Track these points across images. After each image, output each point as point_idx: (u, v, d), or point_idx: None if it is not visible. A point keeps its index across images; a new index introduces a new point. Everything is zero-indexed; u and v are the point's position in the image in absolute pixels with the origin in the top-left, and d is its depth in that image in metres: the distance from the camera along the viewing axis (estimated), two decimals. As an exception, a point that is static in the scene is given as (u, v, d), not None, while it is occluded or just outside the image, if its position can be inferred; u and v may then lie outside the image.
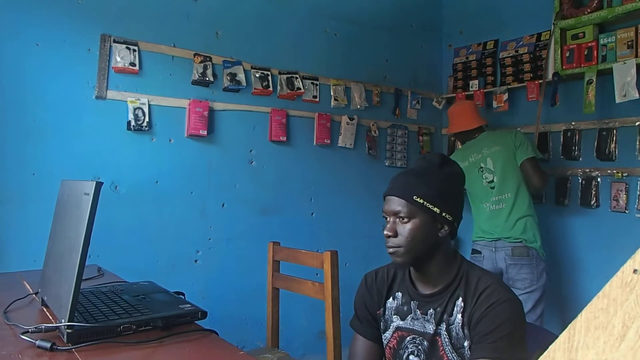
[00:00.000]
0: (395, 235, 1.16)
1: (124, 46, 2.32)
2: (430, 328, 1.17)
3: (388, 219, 1.18)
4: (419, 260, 1.18)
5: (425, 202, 1.14)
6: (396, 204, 1.16)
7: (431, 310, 1.18)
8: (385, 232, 1.17)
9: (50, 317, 1.15)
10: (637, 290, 0.36)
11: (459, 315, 1.13)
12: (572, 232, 2.88)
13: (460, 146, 3.40)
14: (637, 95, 2.39)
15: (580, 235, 2.84)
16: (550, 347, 0.44)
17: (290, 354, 1.91)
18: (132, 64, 2.33)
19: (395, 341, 1.23)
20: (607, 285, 0.39)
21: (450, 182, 1.20)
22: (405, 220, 1.15)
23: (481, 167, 2.60)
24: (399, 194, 1.16)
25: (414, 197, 1.14)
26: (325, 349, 1.69)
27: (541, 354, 0.45)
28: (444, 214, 1.15)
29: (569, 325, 0.41)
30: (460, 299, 1.15)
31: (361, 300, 1.31)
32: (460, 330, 1.13)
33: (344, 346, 1.70)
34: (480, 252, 2.56)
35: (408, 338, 1.21)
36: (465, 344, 1.12)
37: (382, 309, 1.28)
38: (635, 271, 0.36)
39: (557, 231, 2.93)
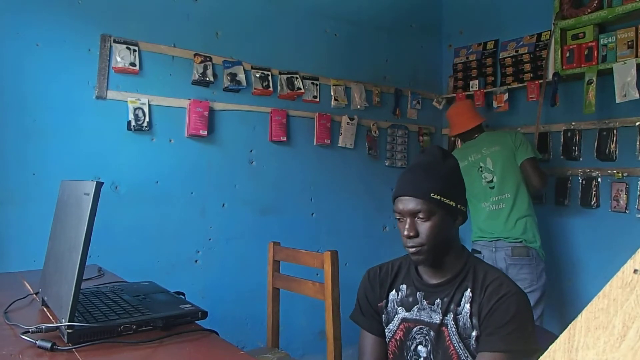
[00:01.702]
0: (417, 235, 1.15)
1: (124, 46, 2.32)
2: (437, 318, 1.17)
3: (403, 219, 1.17)
4: (438, 255, 1.18)
5: (442, 198, 1.14)
6: (413, 203, 1.14)
7: (438, 300, 1.18)
8: (406, 233, 1.15)
9: (51, 317, 1.15)
10: (637, 291, 0.36)
11: (467, 305, 1.14)
12: (573, 232, 2.88)
13: (460, 145, 3.40)
14: (637, 95, 2.39)
15: (581, 235, 2.84)
16: (550, 347, 0.44)
17: (290, 354, 1.91)
18: (132, 64, 2.33)
19: (402, 333, 1.23)
20: (607, 286, 0.39)
21: (455, 173, 1.21)
22: (425, 218, 1.14)
23: (480, 167, 2.60)
24: (415, 193, 1.14)
25: (431, 194, 1.13)
26: (325, 349, 1.69)
27: (541, 354, 0.45)
28: (459, 206, 1.17)
29: (569, 326, 0.41)
30: (469, 289, 1.15)
31: (363, 294, 1.31)
32: (468, 320, 1.13)
33: (344, 346, 1.70)
34: (480, 252, 2.56)
35: (415, 329, 1.21)
36: (473, 334, 1.12)
37: (384, 301, 1.27)
38: (635, 271, 0.36)
39: (557, 231, 2.93)
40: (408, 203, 1.15)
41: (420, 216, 1.14)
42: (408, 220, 1.16)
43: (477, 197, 2.61)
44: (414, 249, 1.16)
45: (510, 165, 2.53)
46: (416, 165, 1.22)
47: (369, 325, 1.30)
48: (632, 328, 0.36)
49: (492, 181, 2.57)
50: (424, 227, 1.14)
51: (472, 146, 2.69)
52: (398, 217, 1.19)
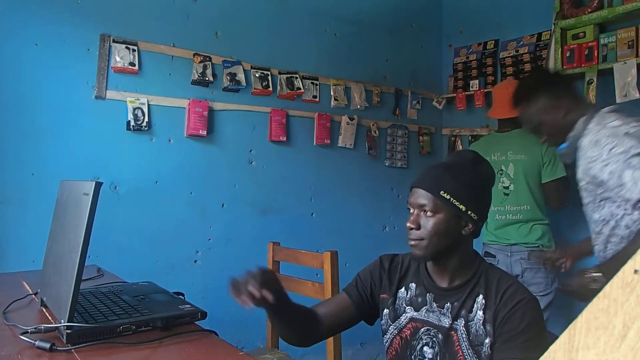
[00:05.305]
0: (418, 227, 1.15)
1: (124, 46, 2.31)
2: (446, 322, 1.16)
3: (412, 210, 1.17)
4: (438, 255, 1.17)
5: (451, 198, 1.13)
6: (422, 196, 1.15)
7: (448, 304, 1.17)
8: (407, 224, 1.16)
9: (50, 318, 1.14)
10: (637, 291, 0.36)
11: (480, 312, 1.13)
12: (573, 232, 2.87)
13: (460, 145, 3.39)
14: (637, 95, 2.39)
15: (581, 235, 2.83)
16: (550, 347, 0.44)
17: (290, 354, 1.91)
18: (132, 64, 2.32)
19: (409, 332, 1.23)
20: (607, 286, 0.38)
21: (481, 181, 1.19)
22: (430, 214, 1.14)
23: (501, 170, 2.50)
24: (426, 187, 1.15)
25: (441, 192, 1.13)
26: (325, 349, 1.69)
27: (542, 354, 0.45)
28: (469, 212, 1.14)
29: (570, 326, 0.41)
30: (481, 296, 1.14)
31: (369, 276, 1.30)
32: (482, 327, 1.12)
33: (344, 346, 1.70)
34: (494, 256, 2.49)
35: (422, 329, 1.20)
36: (486, 341, 1.11)
37: (391, 298, 1.26)
38: (635, 271, 0.36)
39: (557, 231, 2.92)
40: (418, 196, 1.16)
41: (426, 211, 1.14)
42: (415, 212, 1.16)
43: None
44: (412, 242, 1.16)
45: (532, 179, 2.45)
46: (441, 162, 1.23)
47: (356, 296, 1.28)
48: (632, 328, 0.36)
49: (507, 187, 2.48)
50: (427, 222, 1.14)
51: (499, 142, 2.55)
52: (408, 208, 1.19)
